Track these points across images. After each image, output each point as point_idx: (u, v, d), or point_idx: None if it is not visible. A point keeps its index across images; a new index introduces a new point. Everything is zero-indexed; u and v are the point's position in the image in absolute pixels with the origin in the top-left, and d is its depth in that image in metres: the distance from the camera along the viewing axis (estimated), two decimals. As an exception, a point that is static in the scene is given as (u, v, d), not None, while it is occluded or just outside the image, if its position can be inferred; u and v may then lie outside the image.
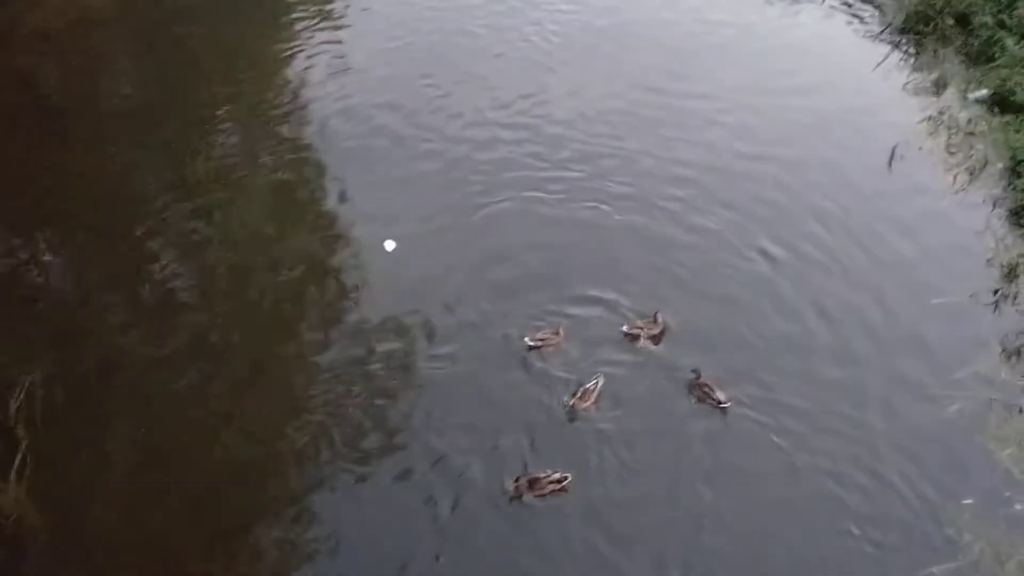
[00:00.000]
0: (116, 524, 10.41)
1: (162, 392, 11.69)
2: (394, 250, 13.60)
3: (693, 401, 11.52)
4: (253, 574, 10.26)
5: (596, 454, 11.01)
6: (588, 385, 11.51)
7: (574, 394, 11.44)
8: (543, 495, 10.49)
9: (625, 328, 12.30)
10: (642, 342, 12.14)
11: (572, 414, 11.37)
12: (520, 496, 10.49)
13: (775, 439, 11.11)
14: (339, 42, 18.09)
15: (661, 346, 12.14)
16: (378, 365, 12.04)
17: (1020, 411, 11.42)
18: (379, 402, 11.62)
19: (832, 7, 19.20)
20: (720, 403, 11.36)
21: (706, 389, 11.48)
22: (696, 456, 10.98)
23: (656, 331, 12.22)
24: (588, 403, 11.38)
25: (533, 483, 10.52)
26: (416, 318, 12.54)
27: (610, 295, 12.74)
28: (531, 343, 12.06)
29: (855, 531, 10.26)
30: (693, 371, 11.66)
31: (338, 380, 11.84)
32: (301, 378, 11.98)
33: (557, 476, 10.58)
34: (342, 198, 14.59)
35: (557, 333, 12.20)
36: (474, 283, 13.00)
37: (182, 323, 12.59)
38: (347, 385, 11.79)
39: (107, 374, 11.95)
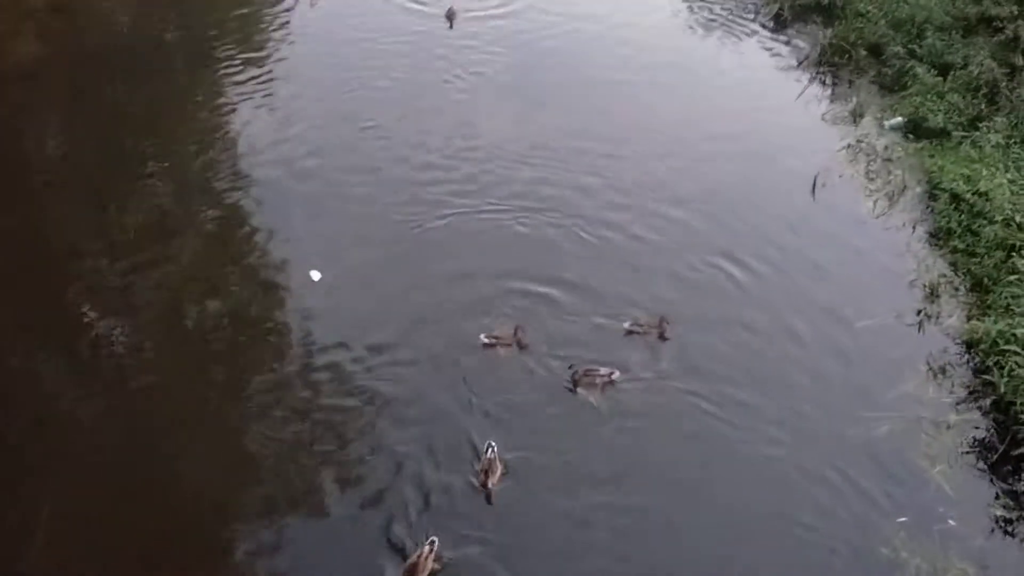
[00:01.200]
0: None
1: (97, 450, 11.43)
2: (321, 280, 13.74)
3: (577, 390, 11.90)
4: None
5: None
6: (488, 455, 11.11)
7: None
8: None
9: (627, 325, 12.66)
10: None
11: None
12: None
13: (705, 466, 11.26)
14: (265, 91, 18.16)
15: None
16: (319, 396, 12.03)
17: (948, 428, 11.71)
18: (325, 430, 11.61)
19: (752, 42, 19.84)
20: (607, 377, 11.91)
21: (589, 372, 11.95)
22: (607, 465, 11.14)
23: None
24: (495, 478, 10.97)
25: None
26: (353, 346, 12.61)
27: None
28: (485, 340, 12.37)
29: (794, 552, 10.37)
30: (570, 366, 12.07)
31: (282, 420, 11.73)
32: (244, 422, 11.80)
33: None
34: (272, 240, 14.55)
35: (514, 333, 12.48)
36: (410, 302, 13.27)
37: (116, 378, 12.36)
38: (292, 424, 11.69)
39: (39, 432, 11.67)
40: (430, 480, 10.97)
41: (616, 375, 12.00)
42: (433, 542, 10.11)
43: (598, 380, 11.99)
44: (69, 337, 13.08)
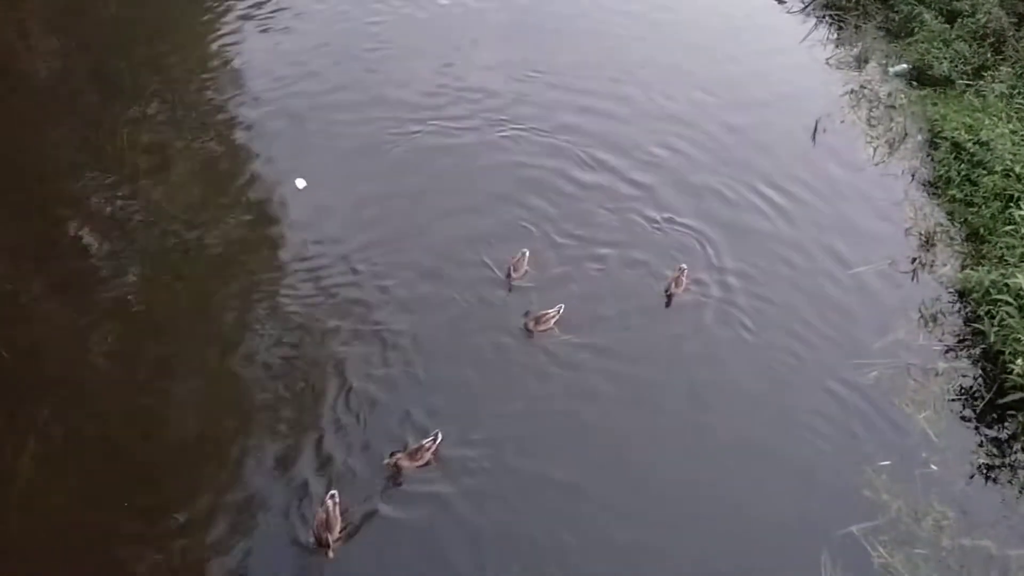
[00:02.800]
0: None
1: (86, 373, 11.41)
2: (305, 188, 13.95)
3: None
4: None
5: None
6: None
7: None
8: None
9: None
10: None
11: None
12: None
13: (693, 400, 11.34)
14: (268, 24, 17.87)
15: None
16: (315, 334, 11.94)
17: (936, 375, 11.76)
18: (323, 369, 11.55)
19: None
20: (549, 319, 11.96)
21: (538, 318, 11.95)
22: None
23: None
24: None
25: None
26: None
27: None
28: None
29: (776, 491, 10.47)
30: (525, 313, 12.06)
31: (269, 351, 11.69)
32: (231, 350, 11.76)
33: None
34: (268, 163, 14.48)
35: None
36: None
37: (104, 299, 12.27)
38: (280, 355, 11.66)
39: (31, 354, 11.64)
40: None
41: (562, 308, 12.02)
42: (334, 495, 9.79)
43: (551, 321, 11.96)
44: (58, 257, 12.98)
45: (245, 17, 18.03)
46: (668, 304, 12.38)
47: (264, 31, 17.69)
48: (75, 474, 10.38)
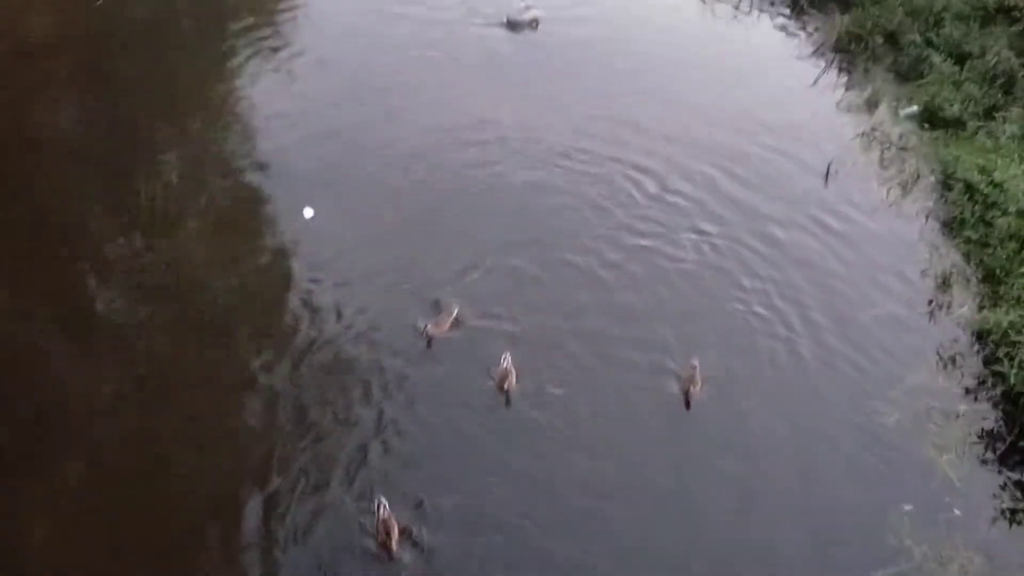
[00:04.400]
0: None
1: (106, 433, 11.46)
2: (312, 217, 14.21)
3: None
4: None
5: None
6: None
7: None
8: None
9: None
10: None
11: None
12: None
13: (731, 447, 11.30)
14: (279, 66, 18.13)
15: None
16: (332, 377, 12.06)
17: (957, 418, 11.71)
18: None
19: (768, 28, 19.73)
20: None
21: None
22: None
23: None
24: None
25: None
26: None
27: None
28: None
29: (798, 537, 10.41)
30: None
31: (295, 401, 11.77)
32: (249, 405, 11.83)
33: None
34: (285, 211, 14.60)
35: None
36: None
37: (127, 359, 12.34)
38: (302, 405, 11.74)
39: (47, 416, 11.65)
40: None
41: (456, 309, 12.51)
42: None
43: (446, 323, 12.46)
44: (75, 313, 13.11)
45: (262, 63, 18.25)
46: (688, 406, 11.76)
47: (281, 75, 17.93)
48: (93, 530, 10.43)
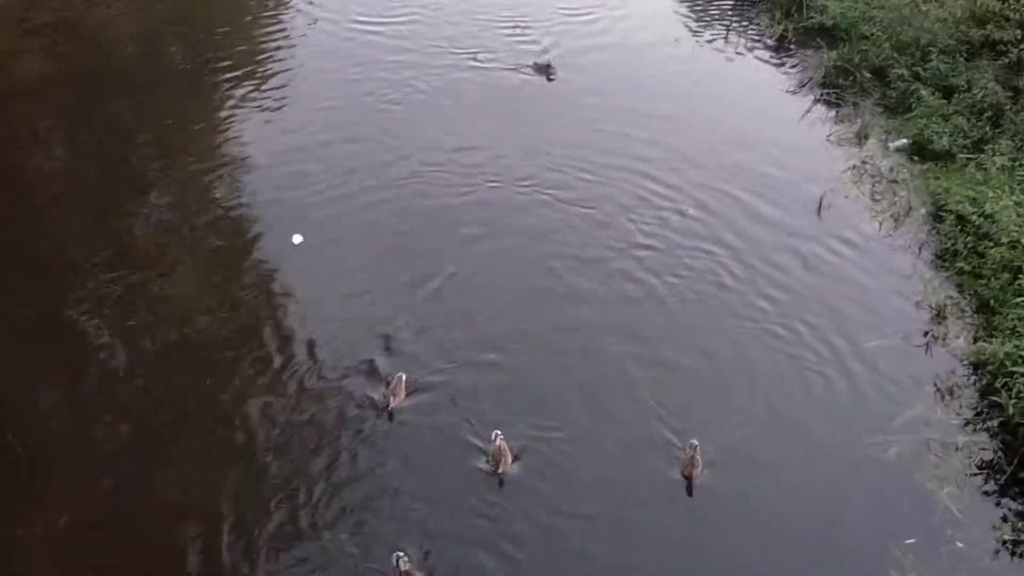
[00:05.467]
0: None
1: (93, 464, 11.42)
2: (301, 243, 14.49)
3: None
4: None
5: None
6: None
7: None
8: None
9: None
10: None
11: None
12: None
13: (731, 482, 11.23)
14: (266, 105, 18.27)
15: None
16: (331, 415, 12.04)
17: (956, 449, 11.66)
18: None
19: (756, 63, 19.89)
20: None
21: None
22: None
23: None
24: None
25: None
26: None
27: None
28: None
29: (804, 573, 10.35)
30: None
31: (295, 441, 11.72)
32: (246, 444, 11.75)
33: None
34: (279, 259, 14.56)
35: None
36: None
37: (118, 402, 12.28)
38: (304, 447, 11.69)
39: (38, 458, 11.58)
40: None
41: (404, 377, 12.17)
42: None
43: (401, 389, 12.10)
44: (65, 349, 13.08)
45: (246, 101, 18.42)
46: (690, 491, 11.17)
47: (265, 113, 18.07)
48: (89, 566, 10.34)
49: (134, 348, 13.02)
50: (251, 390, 12.39)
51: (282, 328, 13.37)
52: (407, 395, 12.11)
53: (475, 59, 19.47)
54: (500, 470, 11.23)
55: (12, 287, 14.00)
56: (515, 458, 11.39)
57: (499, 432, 11.45)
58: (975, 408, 12.23)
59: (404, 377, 12.21)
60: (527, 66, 19.18)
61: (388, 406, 11.93)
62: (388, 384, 12.20)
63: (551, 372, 12.66)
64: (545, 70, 19.00)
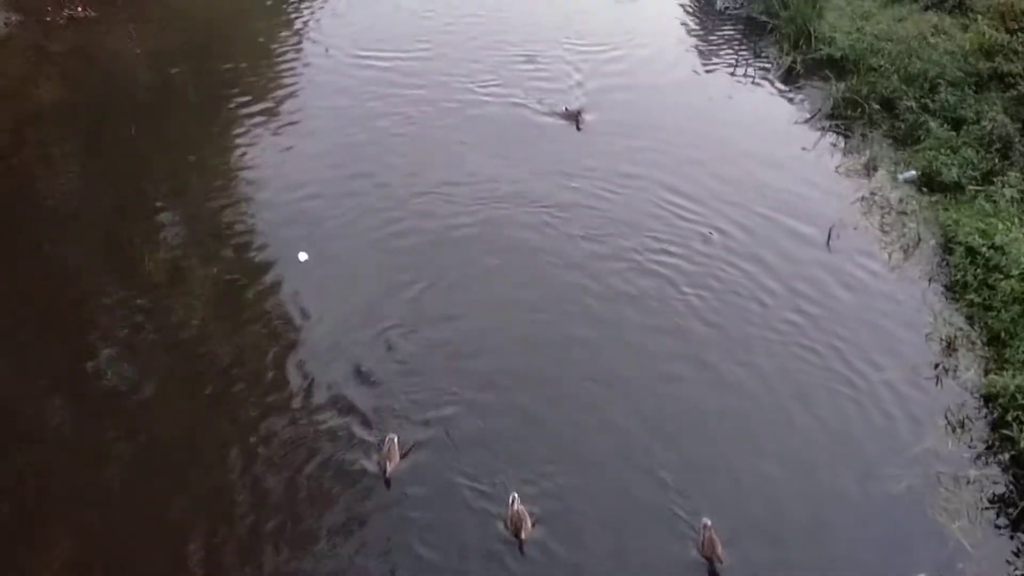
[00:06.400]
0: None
1: (101, 494, 11.39)
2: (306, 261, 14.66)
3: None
4: None
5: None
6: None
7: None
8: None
9: None
10: None
11: None
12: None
13: (741, 513, 11.09)
14: (279, 132, 18.42)
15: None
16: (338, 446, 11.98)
17: (968, 483, 11.59)
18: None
19: (765, 95, 20.00)
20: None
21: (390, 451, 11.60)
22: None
23: None
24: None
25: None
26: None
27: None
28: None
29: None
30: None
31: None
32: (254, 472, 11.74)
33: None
34: (282, 271, 14.70)
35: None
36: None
37: (129, 428, 12.25)
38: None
39: (45, 481, 11.56)
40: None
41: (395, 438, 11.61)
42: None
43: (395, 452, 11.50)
44: (79, 382, 13.00)
45: (259, 126, 18.57)
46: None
47: (277, 138, 18.22)
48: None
49: (146, 372, 13.01)
50: (262, 417, 12.40)
51: (294, 354, 13.38)
52: (402, 457, 11.59)
53: (539, 102, 19.40)
54: (522, 536, 10.60)
55: (20, 314, 14.01)
56: (534, 523, 10.81)
57: (515, 495, 11.02)
58: (986, 441, 12.14)
59: (396, 439, 11.66)
60: (556, 112, 19.06)
61: (385, 472, 11.35)
62: (380, 449, 11.70)
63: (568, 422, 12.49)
64: (575, 117, 18.72)
